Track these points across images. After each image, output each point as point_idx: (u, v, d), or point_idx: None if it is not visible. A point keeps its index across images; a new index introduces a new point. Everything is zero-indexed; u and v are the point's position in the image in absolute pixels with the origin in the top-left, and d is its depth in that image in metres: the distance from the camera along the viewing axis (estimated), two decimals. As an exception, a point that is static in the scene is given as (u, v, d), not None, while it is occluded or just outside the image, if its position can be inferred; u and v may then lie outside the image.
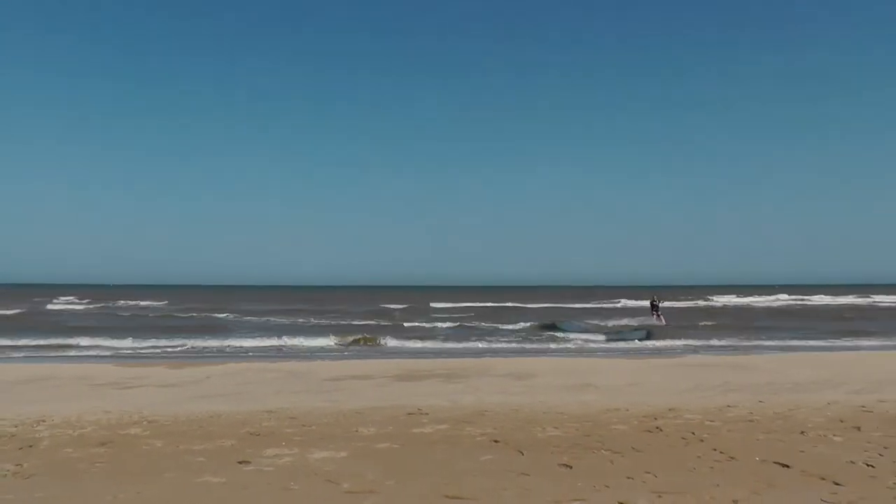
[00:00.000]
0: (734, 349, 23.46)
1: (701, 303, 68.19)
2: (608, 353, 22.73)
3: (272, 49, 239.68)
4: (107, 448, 8.33)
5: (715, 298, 72.94)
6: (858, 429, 8.93)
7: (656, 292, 43.43)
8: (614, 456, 7.60)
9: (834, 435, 8.55)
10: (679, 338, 28.21)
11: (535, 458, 7.59)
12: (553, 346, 26.85)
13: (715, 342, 26.75)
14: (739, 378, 14.73)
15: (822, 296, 75.22)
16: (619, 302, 68.18)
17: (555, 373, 16.12)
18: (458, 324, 38.51)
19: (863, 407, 10.68)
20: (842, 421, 9.51)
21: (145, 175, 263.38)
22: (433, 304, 61.70)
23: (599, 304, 67.72)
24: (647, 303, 42.66)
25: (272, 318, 44.48)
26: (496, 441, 8.47)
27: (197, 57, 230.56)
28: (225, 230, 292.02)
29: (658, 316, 37.79)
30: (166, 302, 67.41)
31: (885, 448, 7.76)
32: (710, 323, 38.22)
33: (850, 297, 74.70)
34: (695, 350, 23.87)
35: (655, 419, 9.86)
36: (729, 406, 11.05)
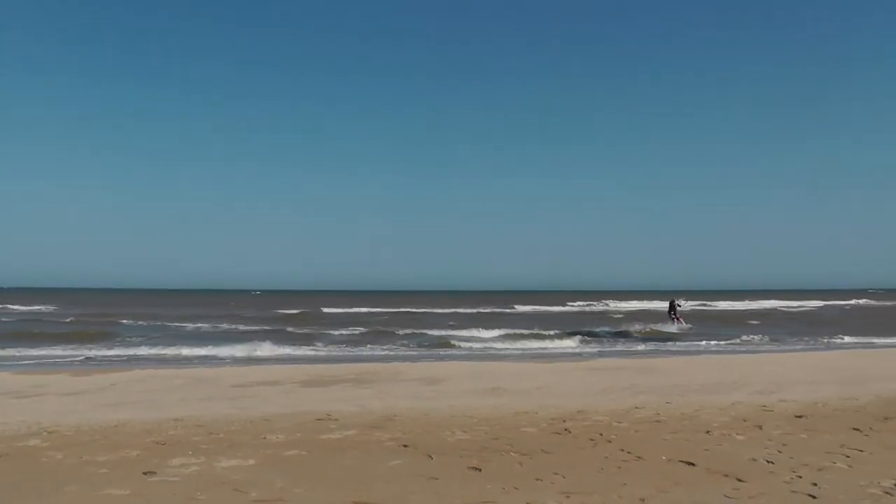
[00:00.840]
0: (641, 353, 23.92)
1: (599, 307, 70.56)
2: (518, 356, 22.83)
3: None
4: (3, 462, 7.72)
5: (615, 304, 75.35)
6: (760, 427, 9.20)
7: (675, 295, 40.42)
8: (523, 458, 7.56)
9: (737, 434, 8.78)
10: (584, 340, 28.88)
11: (445, 461, 7.45)
12: (456, 351, 26.49)
13: (620, 347, 27.30)
14: (647, 380, 15.02)
15: (730, 301, 78.40)
16: (514, 308, 69.22)
17: (465, 377, 16.06)
18: (364, 329, 37.78)
19: (764, 406, 11.05)
20: (745, 420, 9.80)
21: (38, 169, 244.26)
22: (330, 310, 59.52)
23: (496, 309, 68.12)
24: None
25: (182, 324, 42.48)
26: (405, 446, 8.29)
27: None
28: (114, 229, 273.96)
29: (677, 319, 36.04)
30: (56, 307, 63.44)
31: (784, 445, 8.01)
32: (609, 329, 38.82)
33: (746, 301, 78.52)
34: (601, 354, 24.23)
35: (564, 421, 9.92)
36: (637, 407, 11.23)
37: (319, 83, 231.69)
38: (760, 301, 78.99)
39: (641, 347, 26.55)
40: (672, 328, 34.68)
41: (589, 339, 30.47)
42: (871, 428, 9.00)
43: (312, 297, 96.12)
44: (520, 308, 68.47)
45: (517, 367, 18.97)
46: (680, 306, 37.67)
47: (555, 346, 27.82)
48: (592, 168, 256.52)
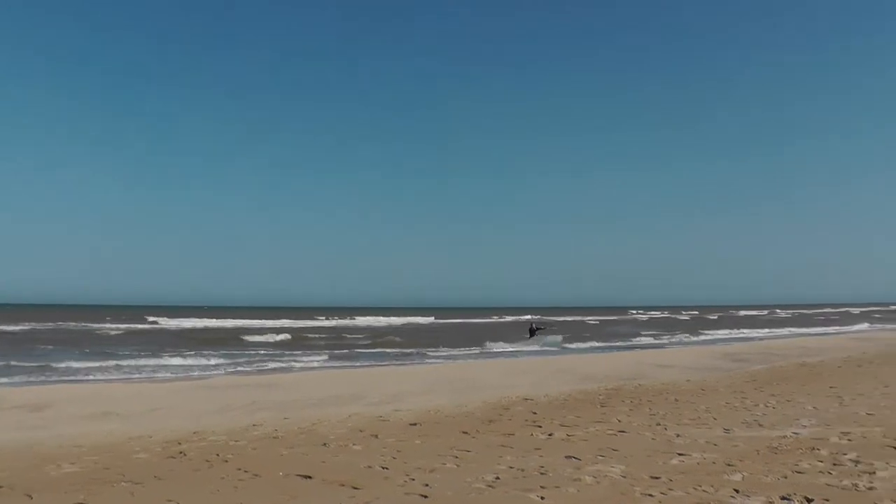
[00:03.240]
0: (265, 370, 23.52)
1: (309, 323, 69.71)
2: (128, 378, 20.62)
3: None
4: None
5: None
6: (376, 436, 9.48)
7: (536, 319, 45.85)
8: (135, 487, 6.80)
9: (354, 444, 8.92)
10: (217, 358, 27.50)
11: (47, 499, 6.40)
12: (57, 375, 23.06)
13: (244, 364, 26.57)
14: (267, 396, 14.73)
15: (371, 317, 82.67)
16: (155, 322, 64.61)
17: (74, 401, 14.24)
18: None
19: (380, 417, 11.50)
20: (361, 431, 10.04)
21: None
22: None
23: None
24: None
25: None
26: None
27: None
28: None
29: (541, 339, 38.19)
30: None
31: (398, 451, 8.31)
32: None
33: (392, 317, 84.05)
34: (223, 371, 23.24)
35: (180, 444, 9.20)
36: (255, 425, 10.89)
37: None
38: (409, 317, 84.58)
39: (272, 365, 26.09)
40: (535, 346, 36.48)
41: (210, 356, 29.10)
42: (477, 430, 9.85)
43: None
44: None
45: (131, 388, 17.25)
46: (541, 328, 41.39)
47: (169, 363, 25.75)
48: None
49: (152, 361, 25.55)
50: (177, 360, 25.98)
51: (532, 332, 39.63)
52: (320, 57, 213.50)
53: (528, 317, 66.38)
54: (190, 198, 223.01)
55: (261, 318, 72.08)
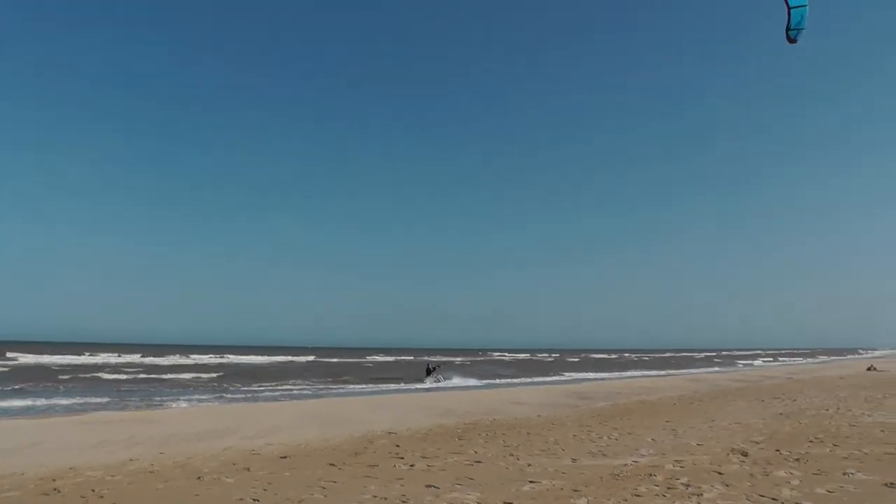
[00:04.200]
0: (145, 406, 23.17)
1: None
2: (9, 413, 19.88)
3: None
4: None
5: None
6: (248, 469, 10.13)
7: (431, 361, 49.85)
8: None
9: (227, 477, 9.51)
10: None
11: None
12: None
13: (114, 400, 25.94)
14: (145, 431, 14.91)
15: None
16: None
17: None
18: None
19: (253, 450, 12.11)
20: (234, 464, 10.65)
21: None
22: None
23: None
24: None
25: None
26: None
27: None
28: None
29: (436, 378, 40.12)
30: None
31: (269, 483, 9.03)
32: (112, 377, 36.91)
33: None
34: (104, 406, 22.74)
35: (55, 480, 9.42)
36: (132, 459, 11.21)
37: None
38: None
39: (149, 400, 25.61)
40: (428, 384, 38.16)
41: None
42: (344, 462, 10.68)
43: None
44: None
45: (3, 424, 16.75)
46: (436, 368, 43.13)
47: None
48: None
49: (19, 401, 24.37)
50: (42, 398, 25.02)
51: (428, 372, 41.50)
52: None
53: (426, 358, 70.08)
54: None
55: (130, 354, 69.58)
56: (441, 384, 38.17)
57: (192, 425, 16.12)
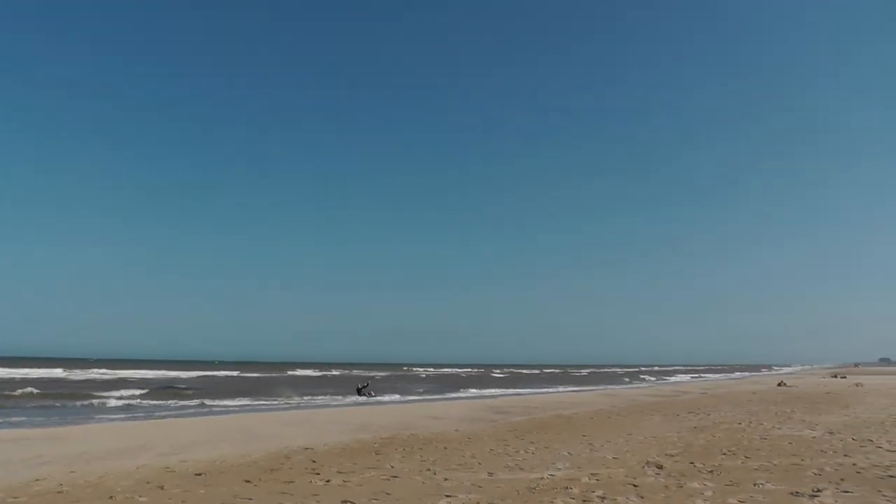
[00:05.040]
0: (49, 423, 22.29)
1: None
2: None
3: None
4: None
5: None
6: (162, 487, 10.03)
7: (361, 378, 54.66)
8: None
9: (140, 496, 9.39)
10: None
11: None
12: None
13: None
14: (53, 450, 14.43)
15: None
16: None
17: None
18: None
19: (167, 468, 11.97)
20: (148, 482, 10.51)
21: None
22: None
23: None
24: None
25: None
26: None
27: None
28: None
29: (366, 392, 41.48)
30: None
31: (183, 501, 9.01)
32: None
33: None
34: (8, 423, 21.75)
35: None
36: (38, 480, 10.88)
37: None
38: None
39: (56, 416, 24.65)
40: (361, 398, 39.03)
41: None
42: (259, 479, 10.71)
43: None
44: None
45: None
46: (366, 385, 44.18)
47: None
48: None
49: None
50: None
51: (359, 391, 42.07)
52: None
53: (356, 373, 73.77)
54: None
55: (47, 368, 66.74)
56: (370, 398, 38.51)
57: (104, 443, 15.69)
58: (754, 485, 9.16)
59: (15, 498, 9.33)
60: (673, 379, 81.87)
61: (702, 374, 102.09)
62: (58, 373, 63.17)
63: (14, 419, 22.96)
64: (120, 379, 57.65)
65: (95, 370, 71.61)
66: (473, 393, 46.08)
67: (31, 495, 9.55)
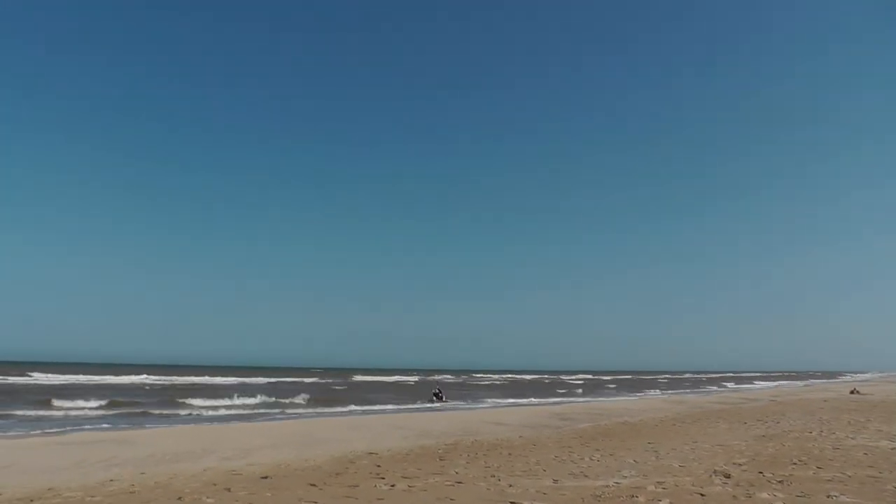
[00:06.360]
0: (122, 426, 22.95)
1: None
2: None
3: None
4: None
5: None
6: (229, 490, 10.12)
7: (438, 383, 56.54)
8: None
9: (207, 497, 9.49)
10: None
11: None
12: None
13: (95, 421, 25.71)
14: (124, 452, 14.79)
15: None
16: None
17: None
18: None
19: (233, 471, 12.10)
20: (215, 484, 10.63)
21: None
22: None
23: None
24: None
25: None
26: None
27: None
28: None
29: (444, 399, 42.16)
30: None
31: (250, 503, 9.03)
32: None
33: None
34: (76, 427, 22.50)
35: (32, 501, 9.37)
36: (111, 480, 11.14)
37: None
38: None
39: (125, 422, 25.37)
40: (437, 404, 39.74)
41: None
42: (324, 482, 10.71)
43: None
44: None
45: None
46: (440, 391, 44.56)
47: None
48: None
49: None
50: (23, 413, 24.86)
51: (437, 395, 42.53)
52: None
53: (435, 378, 75.54)
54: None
55: (100, 375, 69.07)
56: (446, 404, 38.76)
57: (170, 446, 16.01)
58: (828, 497, 8.62)
59: (92, 497, 9.57)
60: (747, 386, 79.26)
61: (779, 382, 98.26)
62: (114, 378, 65.06)
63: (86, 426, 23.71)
64: (173, 385, 59.21)
65: (144, 376, 73.34)
66: (536, 399, 45.56)
67: (105, 495, 9.78)
